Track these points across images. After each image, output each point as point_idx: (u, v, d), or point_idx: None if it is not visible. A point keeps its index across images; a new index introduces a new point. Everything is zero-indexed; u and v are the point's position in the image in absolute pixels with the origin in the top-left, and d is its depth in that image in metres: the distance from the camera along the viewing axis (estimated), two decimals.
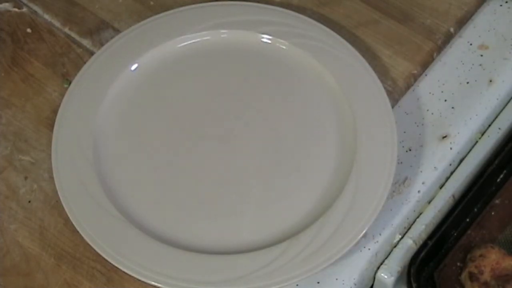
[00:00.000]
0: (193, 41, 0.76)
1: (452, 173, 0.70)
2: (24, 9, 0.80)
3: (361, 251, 0.65)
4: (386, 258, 0.66)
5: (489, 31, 0.78)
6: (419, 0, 0.80)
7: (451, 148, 0.71)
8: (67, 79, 0.75)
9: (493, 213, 0.67)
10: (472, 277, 0.62)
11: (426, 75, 0.76)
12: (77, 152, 0.68)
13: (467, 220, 0.66)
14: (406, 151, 0.71)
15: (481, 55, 0.77)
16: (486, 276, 0.61)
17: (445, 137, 0.72)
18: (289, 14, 0.77)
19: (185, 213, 0.66)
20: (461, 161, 0.71)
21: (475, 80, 0.75)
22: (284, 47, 0.75)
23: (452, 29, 0.78)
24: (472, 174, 0.70)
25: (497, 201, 0.67)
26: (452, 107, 0.73)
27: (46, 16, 0.80)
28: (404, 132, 0.72)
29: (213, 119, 0.72)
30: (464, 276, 0.62)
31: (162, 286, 0.61)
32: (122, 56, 0.74)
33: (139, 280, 0.62)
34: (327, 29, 0.75)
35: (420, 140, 0.71)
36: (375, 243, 0.66)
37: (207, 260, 0.62)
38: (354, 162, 0.67)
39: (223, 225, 0.65)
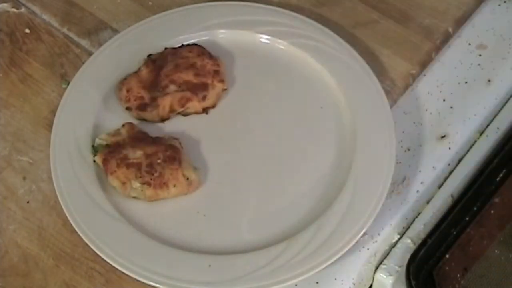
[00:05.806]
0: (192, 41, 0.75)
1: (451, 173, 0.70)
2: (23, 10, 0.80)
3: (360, 251, 0.65)
4: (385, 258, 0.66)
5: (487, 31, 0.78)
6: (417, 0, 0.80)
7: (449, 148, 0.71)
8: (66, 80, 0.75)
9: (492, 212, 0.67)
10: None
11: (424, 75, 0.76)
12: (76, 153, 0.68)
13: (467, 218, 0.66)
14: (405, 151, 0.71)
15: (480, 55, 0.77)
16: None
17: (443, 137, 0.72)
18: (288, 14, 0.77)
19: (184, 213, 0.66)
20: (460, 160, 0.71)
21: (474, 80, 0.75)
22: (282, 47, 0.75)
23: (450, 29, 0.78)
24: (471, 173, 0.70)
25: (496, 200, 0.67)
26: (451, 107, 0.73)
27: (45, 17, 0.80)
28: (403, 132, 0.72)
29: (212, 119, 0.71)
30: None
31: (161, 286, 0.61)
32: (121, 57, 0.74)
33: (138, 280, 0.61)
34: (326, 29, 0.75)
35: (419, 140, 0.71)
36: (373, 243, 0.66)
37: (207, 260, 0.62)
38: (353, 162, 0.67)
39: (223, 225, 0.65)
